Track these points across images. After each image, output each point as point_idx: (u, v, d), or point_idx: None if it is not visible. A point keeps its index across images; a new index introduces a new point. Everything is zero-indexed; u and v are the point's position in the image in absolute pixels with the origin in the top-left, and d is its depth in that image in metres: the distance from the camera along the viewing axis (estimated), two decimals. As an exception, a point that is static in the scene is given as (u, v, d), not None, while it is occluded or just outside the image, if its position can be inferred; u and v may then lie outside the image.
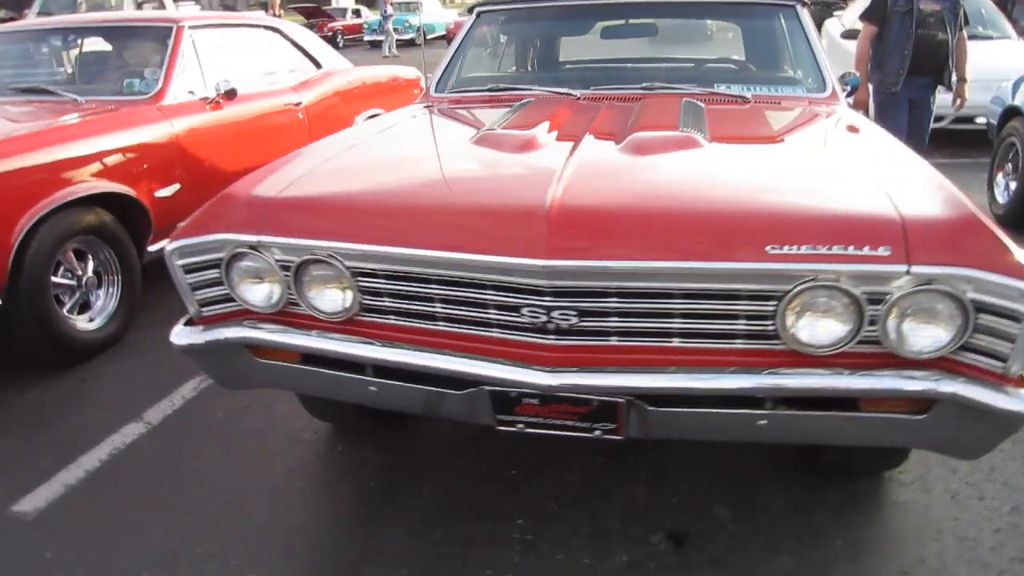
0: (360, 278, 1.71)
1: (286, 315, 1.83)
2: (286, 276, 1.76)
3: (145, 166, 3.45)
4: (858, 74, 3.21)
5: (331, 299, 1.75)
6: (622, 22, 3.17)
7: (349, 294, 1.73)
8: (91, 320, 3.28)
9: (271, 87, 4.57)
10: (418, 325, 1.73)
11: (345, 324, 1.78)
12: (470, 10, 3.27)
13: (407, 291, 1.69)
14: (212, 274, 1.82)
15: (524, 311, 1.58)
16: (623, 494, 2.20)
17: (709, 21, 3.34)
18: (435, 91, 3.02)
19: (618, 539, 2.02)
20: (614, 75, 2.99)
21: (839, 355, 1.54)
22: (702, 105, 2.42)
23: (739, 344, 1.59)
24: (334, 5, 27.49)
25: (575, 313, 1.56)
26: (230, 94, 3.96)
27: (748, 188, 1.73)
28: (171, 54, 3.78)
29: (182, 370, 3.07)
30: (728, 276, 1.51)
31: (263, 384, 2.00)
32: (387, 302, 1.73)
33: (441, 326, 1.71)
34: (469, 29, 3.21)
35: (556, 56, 3.42)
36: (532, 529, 2.06)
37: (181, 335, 1.86)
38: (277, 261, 1.76)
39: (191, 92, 3.86)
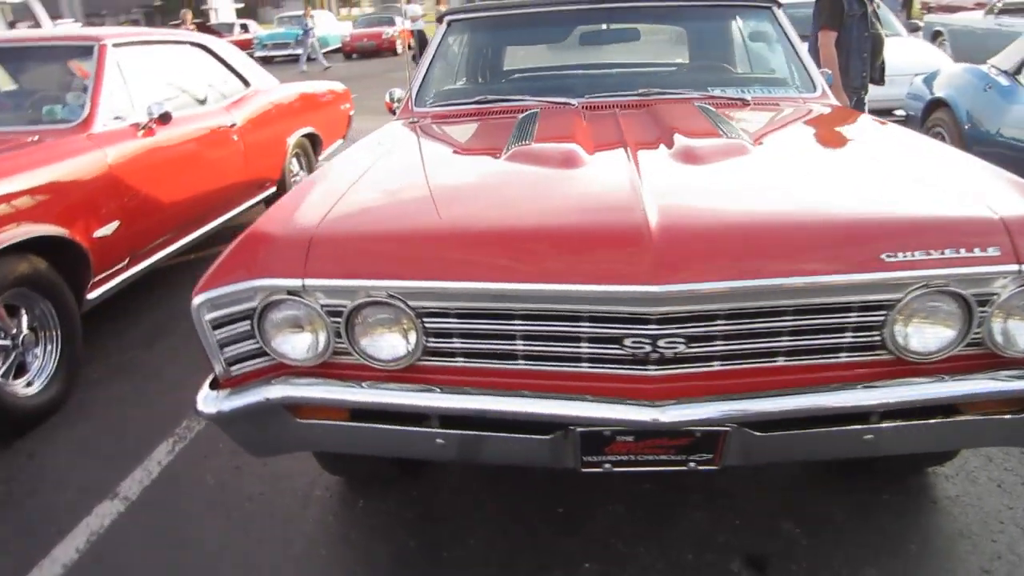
0: (427, 319, 1.51)
1: (330, 366, 1.59)
2: (335, 323, 1.53)
3: (80, 203, 3.05)
4: (830, 72, 3.25)
5: (390, 345, 1.54)
6: (602, 27, 3.08)
7: (412, 338, 1.52)
8: (29, 384, 2.85)
9: (203, 109, 4.21)
10: (494, 366, 1.54)
11: (403, 372, 1.57)
12: (440, 19, 3.09)
13: (483, 330, 1.51)
14: (242, 327, 1.57)
15: (627, 342, 1.44)
16: (683, 521, 2.08)
17: (675, 25, 3.28)
18: (416, 106, 2.82)
19: (697, 571, 1.90)
20: (602, 82, 2.89)
21: (943, 360, 1.49)
22: (714, 109, 2.35)
23: (843, 358, 1.51)
24: (219, 20, 26.24)
25: (683, 340, 1.43)
26: (164, 118, 3.59)
27: (844, 195, 1.66)
28: (96, 76, 3.38)
29: (147, 431, 2.72)
30: (844, 288, 1.42)
31: (302, 447, 1.75)
32: (457, 344, 1.53)
33: (521, 365, 1.53)
34: (441, 39, 3.02)
35: (535, 64, 3.29)
36: (605, 572, 1.91)
37: (210, 402, 1.58)
38: (323, 307, 1.53)
39: (118, 118, 3.46)
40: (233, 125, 4.33)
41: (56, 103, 3.38)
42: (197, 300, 1.52)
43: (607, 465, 1.59)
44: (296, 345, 1.57)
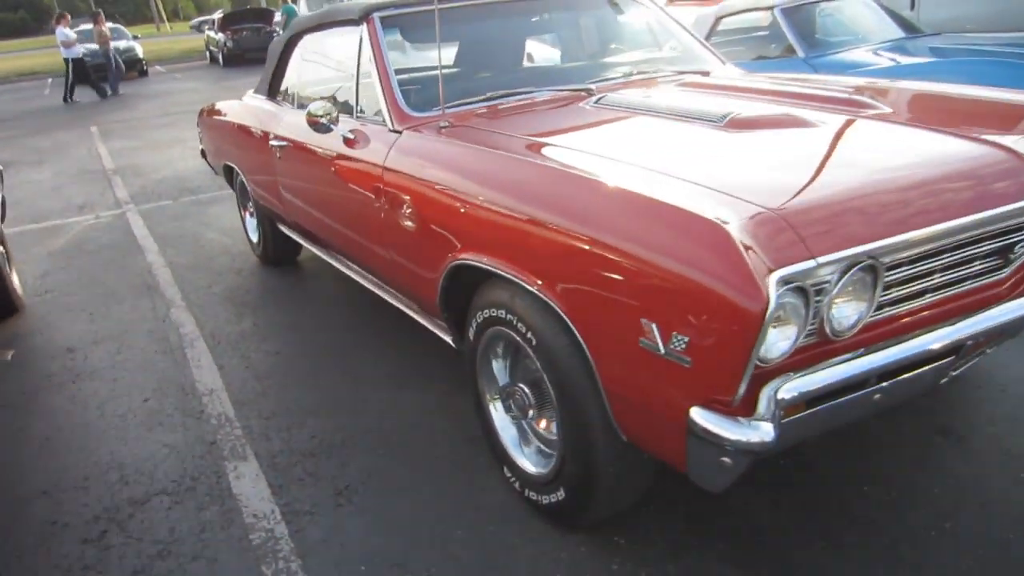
0: (888, 273, 1.47)
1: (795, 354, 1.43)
2: (816, 302, 1.38)
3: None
4: None
5: (857, 310, 1.47)
6: (537, 18, 3.04)
7: (872, 297, 1.47)
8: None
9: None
10: (909, 307, 1.59)
11: (851, 339, 1.50)
12: (363, 18, 2.64)
13: (919, 271, 1.55)
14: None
15: (1016, 248, 1.66)
16: (868, 430, 2.32)
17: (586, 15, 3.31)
18: (415, 111, 2.41)
19: (911, 446, 2.20)
20: (579, 71, 2.90)
21: None
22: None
23: None
24: None
25: None
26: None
27: None
28: None
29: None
30: None
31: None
32: (894, 293, 1.54)
33: (925, 300, 1.61)
34: (383, 39, 2.60)
35: (493, 58, 3.00)
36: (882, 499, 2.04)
37: (754, 430, 1.30)
38: (813, 285, 1.36)
39: None
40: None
41: None
42: (772, 306, 1.20)
43: (952, 373, 1.76)
44: (781, 339, 1.37)
